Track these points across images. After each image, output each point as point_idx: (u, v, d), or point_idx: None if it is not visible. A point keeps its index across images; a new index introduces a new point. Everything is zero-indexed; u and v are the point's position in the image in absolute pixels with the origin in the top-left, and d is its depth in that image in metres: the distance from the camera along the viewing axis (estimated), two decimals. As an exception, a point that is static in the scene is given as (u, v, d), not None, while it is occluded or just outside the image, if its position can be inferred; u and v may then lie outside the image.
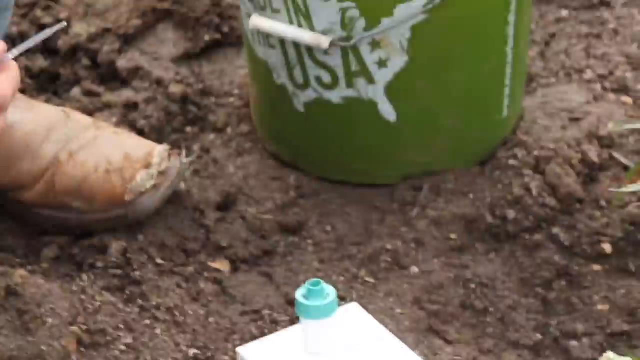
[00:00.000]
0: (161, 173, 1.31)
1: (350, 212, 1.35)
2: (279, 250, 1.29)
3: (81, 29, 1.58)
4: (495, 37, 1.40)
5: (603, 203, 1.28)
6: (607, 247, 1.23)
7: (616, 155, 1.37)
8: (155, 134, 1.43)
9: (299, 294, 1.00)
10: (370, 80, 1.34)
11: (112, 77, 1.56)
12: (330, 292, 1.01)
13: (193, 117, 1.54)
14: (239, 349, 1.04)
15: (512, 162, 1.38)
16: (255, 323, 1.15)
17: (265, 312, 1.16)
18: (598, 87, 1.53)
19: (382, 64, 1.34)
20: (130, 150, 1.32)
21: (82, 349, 1.06)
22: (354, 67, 1.35)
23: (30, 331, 1.03)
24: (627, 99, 1.52)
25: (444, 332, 1.14)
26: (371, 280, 1.21)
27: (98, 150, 1.34)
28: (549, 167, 1.32)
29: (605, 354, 0.97)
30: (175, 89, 1.55)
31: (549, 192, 1.29)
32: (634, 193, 1.26)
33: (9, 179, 1.34)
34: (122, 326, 1.10)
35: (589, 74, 1.56)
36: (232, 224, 1.32)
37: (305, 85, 1.39)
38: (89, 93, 1.53)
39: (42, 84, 1.57)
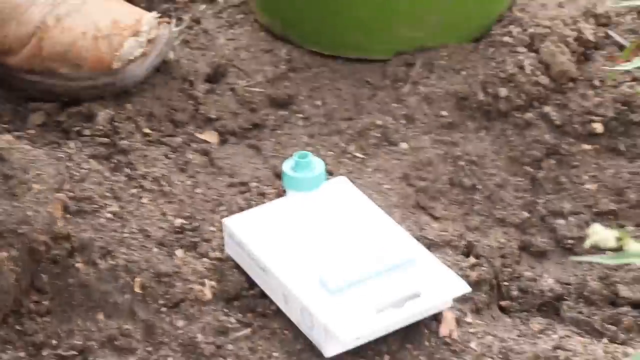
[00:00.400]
0: (150, 41, 1.29)
1: (340, 87, 1.34)
2: (267, 124, 1.27)
3: None
4: None
5: (596, 82, 1.26)
6: (598, 127, 1.21)
7: (612, 33, 1.35)
8: (146, 2, 1.40)
9: (287, 166, 1.00)
10: None
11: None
12: (318, 164, 1.00)
13: None
14: (224, 220, 1.04)
15: (506, 39, 1.35)
16: (242, 195, 1.14)
17: (253, 184, 1.15)
18: (597, -35, 1.49)
19: None
20: (119, 17, 1.30)
21: (68, 215, 1.05)
22: None
23: (16, 196, 1.02)
24: (627, -22, 1.47)
25: (431, 209, 1.13)
26: (360, 155, 1.20)
27: (86, 15, 1.32)
28: (544, 45, 1.30)
29: (591, 226, 0.97)
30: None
31: (542, 70, 1.27)
32: (627, 72, 1.25)
33: None
34: (108, 194, 1.09)
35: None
36: (221, 96, 1.30)
37: None
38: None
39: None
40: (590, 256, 0.95)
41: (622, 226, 1.12)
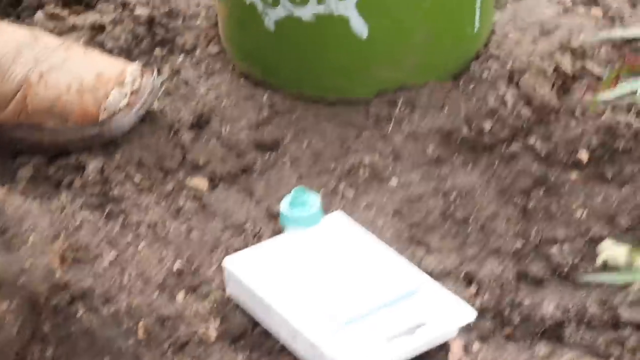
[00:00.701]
0: (134, 92, 1.31)
1: (325, 129, 1.35)
2: (256, 167, 1.29)
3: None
4: None
5: (578, 113, 1.29)
6: (584, 155, 1.24)
7: (589, 65, 1.38)
8: (124, 56, 1.42)
9: (284, 204, 1.00)
10: None
11: (75, 1, 1.55)
12: (315, 200, 1.01)
13: (160, 39, 1.53)
14: (224, 260, 1.04)
15: (485, 74, 1.38)
16: (238, 237, 1.15)
17: (248, 225, 1.16)
18: (568, 1, 1.54)
19: None
20: (102, 69, 1.32)
21: (66, 265, 1.05)
22: None
23: (13, 248, 1.03)
24: (596, 11, 1.52)
25: (426, 242, 1.15)
26: (351, 193, 1.22)
27: (69, 70, 1.34)
28: (523, 78, 1.33)
29: (602, 243, 0.99)
30: (141, 11, 1.53)
31: (524, 103, 1.30)
32: (608, 101, 1.27)
33: None
34: (104, 242, 1.10)
35: (557, -12, 1.55)
36: (207, 143, 1.31)
37: (275, 2, 1.38)
38: (53, 17, 1.52)
39: (4, 8, 1.55)
40: (598, 275, 0.97)
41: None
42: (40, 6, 1.50)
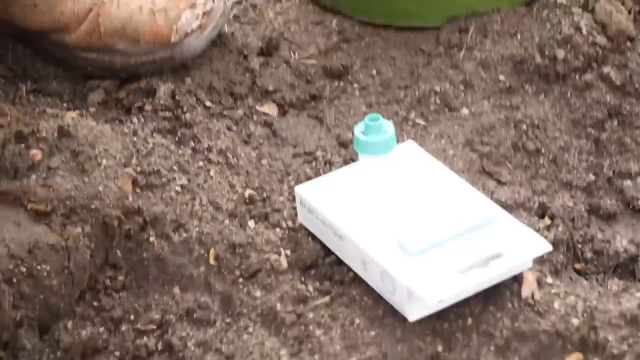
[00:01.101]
0: (206, 13, 1.30)
1: (395, 56, 1.34)
2: (325, 94, 1.28)
3: None
4: None
5: (656, 41, 1.25)
6: (661, 85, 1.20)
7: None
8: None
9: (358, 130, 0.99)
10: None
11: None
12: (389, 127, 1.00)
13: None
14: (296, 188, 1.04)
15: (560, 0, 1.34)
16: (309, 164, 1.15)
17: (318, 153, 1.16)
18: None
19: None
20: None
21: (138, 190, 1.06)
22: None
23: (86, 172, 1.04)
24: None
25: (496, 173, 1.13)
26: (421, 122, 1.21)
27: None
28: (599, 5, 1.30)
29: None
30: None
31: (599, 30, 1.27)
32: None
33: (51, 20, 1.33)
34: (175, 168, 1.10)
35: None
36: (276, 69, 1.31)
37: None
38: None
39: None
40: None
41: None
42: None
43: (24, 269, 0.95)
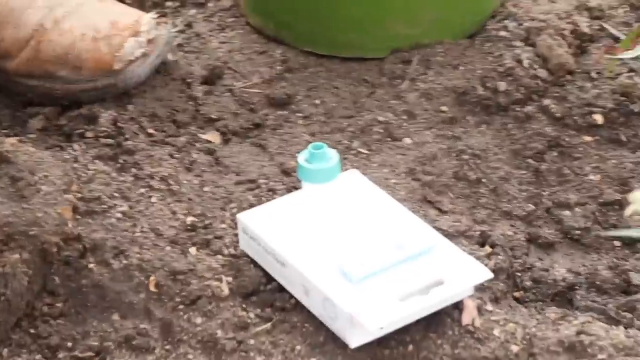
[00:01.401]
0: (150, 41, 1.31)
1: (338, 86, 1.36)
2: (268, 123, 1.29)
3: None
4: None
5: (594, 74, 1.30)
6: (599, 118, 1.24)
7: (606, 26, 1.38)
8: (136, 7, 1.43)
9: (301, 158, 1.00)
10: None
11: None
12: (332, 155, 1.01)
13: None
14: (238, 215, 1.04)
15: (502, 33, 1.39)
16: (251, 192, 1.15)
17: (261, 181, 1.17)
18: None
19: None
20: (118, 18, 1.32)
21: (78, 216, 1.06)
22: None
23: (25, 198, 1.04)
24: (614, -27, 1.52)
25: (438, 202, 1.15)
26: (364, 151, 1.22)
27: (84, 17, 1.33)
28: (540, 38, 1.34)
29: (632, 193, 0.99)
30: (152, -38, 1.56)
31: (540, 64, 1.31)
32: (625, 63, 1.28)
33: None
34: (117, 194, 1.11)
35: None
36: (220, 97, 1.33)
37: None
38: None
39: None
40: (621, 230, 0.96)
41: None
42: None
43: (-41, 296, 0.93)
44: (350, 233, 1.00)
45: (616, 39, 1.34)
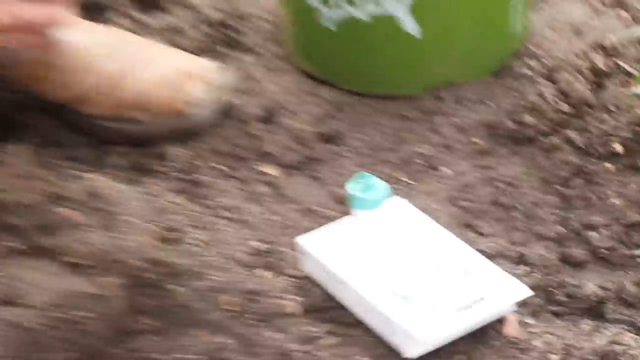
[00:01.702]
0: (214, 86, 1.35)
1: (380, 122, 1.38)
2: (321, 157, 1.32)
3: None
4: None
5: (611, 107, 1.31)
6: (618, 147, 1.26)
7: (621, 63, 1.40)
8: (197, 55, 1.45)
9: (350, 187, 1.03)
10: None
11: (144, 3, 1.61)
12: (379, 184, 1.04)
13: (228, 40, 1.57)
14: (298, 239, 1.08)
15: (525, 71, 1.42)
16: (308, 218, 1.19)
17: (316, 208, 1.20)
18: (598, 4, 1.58)
19: None
20: (186, 66, 1.36)
21: (160, 244, 1.10)
22: None
23: (114, 228, 1.07)
24: (625, 14, 1.54)
25: (477, 226, 1.17)
26: (407, 180, 1.25)
27: (157, 65, 1.36)
28: (560, 75, 1.36)
29: None
30: (210, 13, 1.58)
31: (562, 98, 1.33)
32: (639, 96, 1.29)
33: (72, 94, 1.36)
34: (190, 223, 1.14)
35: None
36: (276, 134, 1.35)
37: (335, 4, 1.42)
38: (125, 17, 1.58)
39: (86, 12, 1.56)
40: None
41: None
42: (111, 8, 1.55)
43: (65, 316, 0.98)
44: (400, 254, 1.03)
45: (630, 74, 1.37)
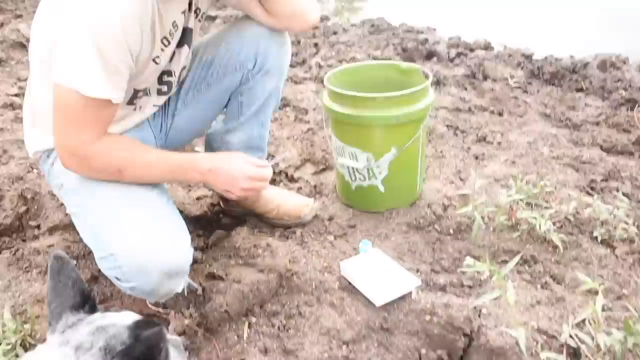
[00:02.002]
0: (312, 209, 2.60)
1: (369, 220, 2.60)
2: (346, 232, 2.57)
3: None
4: (415, 160, 2.65)
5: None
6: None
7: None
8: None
9: (361, 244, 2.29)
10: (375, 177, 2.60)
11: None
12: (368, 243, 2.24)
13: (315, 192, 2.78)
14: (341, 262, 2.15)
15: (422, 202, 2.60)
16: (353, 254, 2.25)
17: (352, 252, 2.27)
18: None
19: (380, 172, 2.58)
20: (304, 200, 2.55)
21: None
22: (371, 173, 2.60)
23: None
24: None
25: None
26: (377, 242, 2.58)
27: (294, 198, 2.53)
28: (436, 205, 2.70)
29: None
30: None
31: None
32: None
33: (264, 209, 2.50)
34: None
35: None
36: (330, 225, 2.56)
37: (355, 179, 2.66)
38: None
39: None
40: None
41: None
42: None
43: None
44: (373, 268, 2.10)
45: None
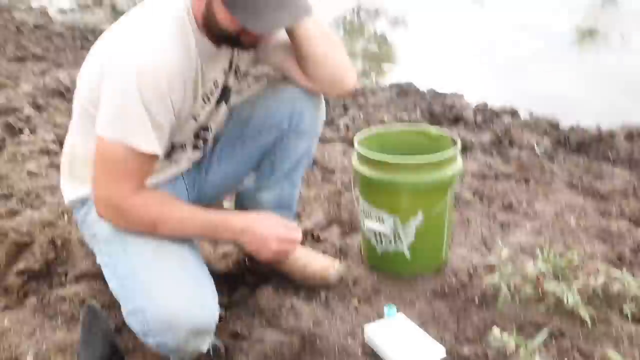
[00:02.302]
0: (338, 270, 2.57)
1: (394, 284, 2.54)
2: (371, 296, 2.49)
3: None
4: (441, 226, 2.64)
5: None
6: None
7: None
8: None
9: (386, 309, 2.39)
10: (402, 242, 2.59)
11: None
12: (393, 308, 2.33)
13: (341, 254, 2.79)
14: (365, 326, 2.15)
15: (449, 270, 2.63)
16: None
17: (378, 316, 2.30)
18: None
19: (406, 237, 2.57)
20: (329, 261, 2.52)
21: None
22: (397, 237, 2.59)
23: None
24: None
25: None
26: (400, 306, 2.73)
27: (319, 259, 2.53)
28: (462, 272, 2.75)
29: None
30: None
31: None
32: None
33: (289, 269, 2.52)
34: None
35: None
36: (354, 290, 2.57)
37: (381, 243, 2.65)
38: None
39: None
40: None
41: None
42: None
43: None
44: (398, 334, 2.14)
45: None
